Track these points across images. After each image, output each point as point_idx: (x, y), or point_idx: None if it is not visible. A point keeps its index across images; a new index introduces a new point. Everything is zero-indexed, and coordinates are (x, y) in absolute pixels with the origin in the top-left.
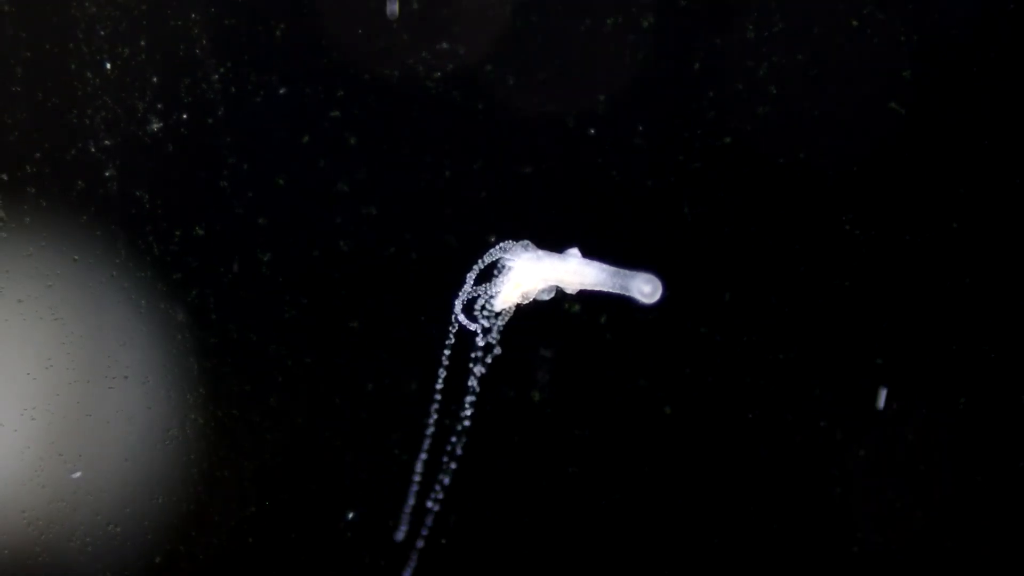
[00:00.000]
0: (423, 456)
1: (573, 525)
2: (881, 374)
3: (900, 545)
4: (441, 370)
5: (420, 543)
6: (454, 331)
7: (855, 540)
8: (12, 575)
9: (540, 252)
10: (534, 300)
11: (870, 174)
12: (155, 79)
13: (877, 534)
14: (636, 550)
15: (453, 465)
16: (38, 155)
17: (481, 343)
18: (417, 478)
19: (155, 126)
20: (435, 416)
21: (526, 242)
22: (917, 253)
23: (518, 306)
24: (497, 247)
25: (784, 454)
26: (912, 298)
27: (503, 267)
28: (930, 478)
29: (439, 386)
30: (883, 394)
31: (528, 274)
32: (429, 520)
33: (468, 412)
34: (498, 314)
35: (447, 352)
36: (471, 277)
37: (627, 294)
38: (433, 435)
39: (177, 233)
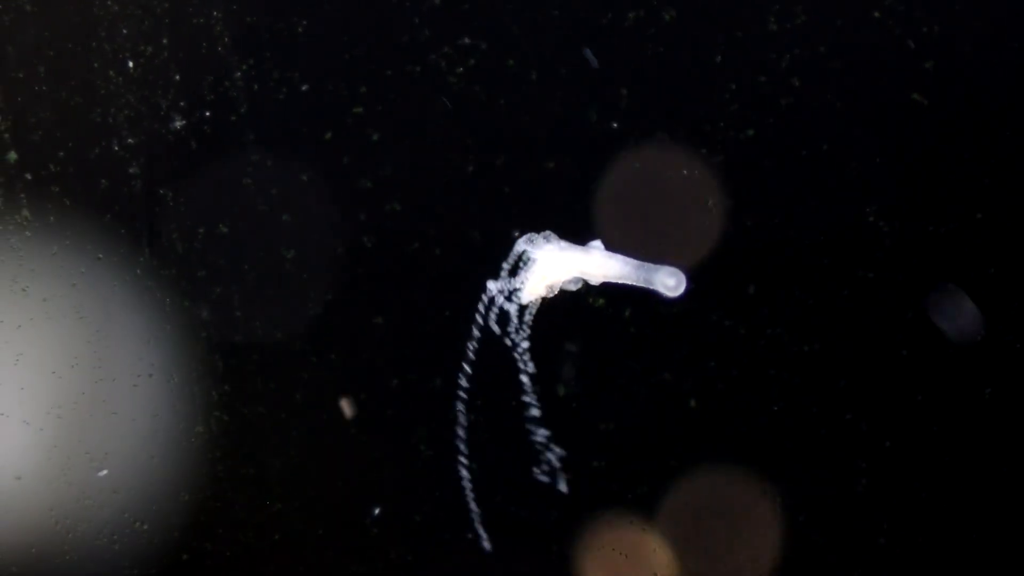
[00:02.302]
0: (449, 452)
1: (599, 519)
2: (907, 366)
3: (926, 539)
4: (466, 365)
5: (446, 538)
6: (479, 326)
7: (881, 533)
8: (40, 573)
9: (563, 243)
10: (559, 291)
11: (893, 166)
12: (178, 77)
13: (903, 527)
14: (662, 544)
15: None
16: (62, 154)
17: (507, 338)
18: (444, 474)
19: (178, 124)
20: (460, 412)
21: (548, 233)
22: (941, 244)
23: (543, 298)
24: (521, 239)
25: (810, 447)
26: (935, 289)
27: (527, 259)
28: (958, 470)
29: (464, 381)
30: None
31: (552, 265)
32: (455, 516)
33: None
34: (524, 307)
35: (472, 347)
36: (497, 272)
37: (651, 287)
38: (458, 431)
39: (201, 231)
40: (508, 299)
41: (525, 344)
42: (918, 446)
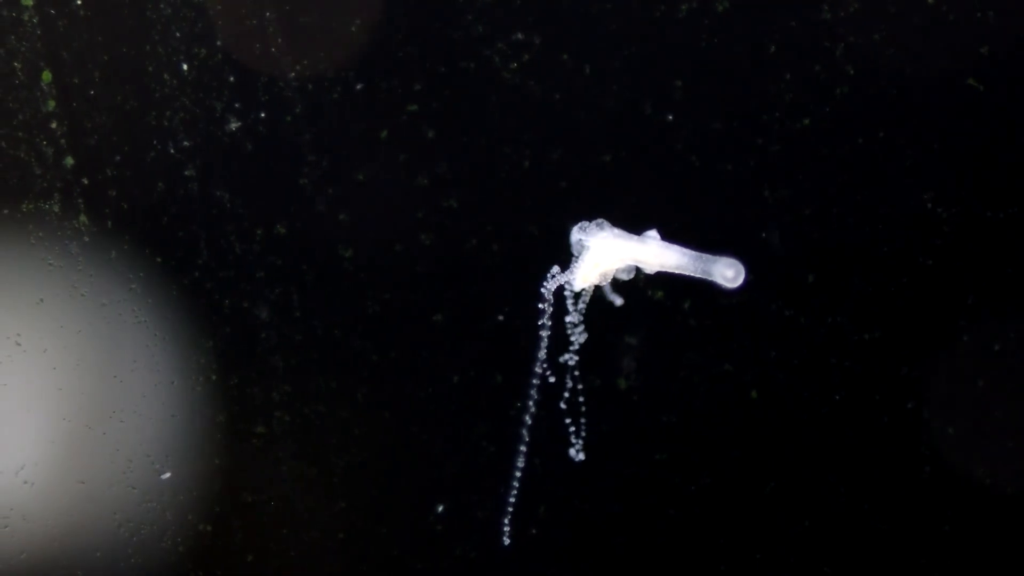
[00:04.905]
0: (510, 448)
1: (662, 512)
2: (966, 352)
3: (991, 522)
4: (527, 360)
5: (510, 534)
6: (539, 321)
7: (944, 520)
8: None
9: (616, 230)
10: (614, 279)
11: (950, 152)
12: (232, 78)
13: (968, 513)
14: (724, 535)
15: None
16: (118, 158)
17: (566, 332)
18: (508, 470)
19: (233, 125)
20: (521, 407)
21: (601, 221)
22: (999, 230)
23: (597, 287)
24: (575, 228)
25: (872, 435)
26: (996, 275)
27: (581, 248)
28: (1019, 457)
29: (525, 376)
30: None
31: (606, 252)
32: (518, 512)
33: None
34: (578, 295)
35: (532, 342)
36: (554, 267)
37: (710, 279)
38: (519, 426)
39: (258, 232)
40: (564, 291)
41: (583, 338)
42: (980, 433)
